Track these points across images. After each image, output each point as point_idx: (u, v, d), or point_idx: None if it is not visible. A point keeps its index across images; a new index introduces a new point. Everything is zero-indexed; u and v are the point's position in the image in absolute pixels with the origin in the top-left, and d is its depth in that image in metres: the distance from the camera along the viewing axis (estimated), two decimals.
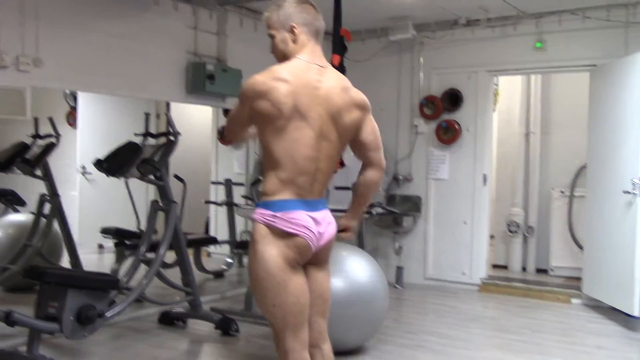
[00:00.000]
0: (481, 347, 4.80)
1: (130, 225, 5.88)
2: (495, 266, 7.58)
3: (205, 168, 7.90)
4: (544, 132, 7.53)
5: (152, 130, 5.06)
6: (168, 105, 6.69)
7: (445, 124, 6.83)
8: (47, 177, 5.42)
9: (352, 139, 2.55)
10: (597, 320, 5.54)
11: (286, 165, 2.36)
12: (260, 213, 2.38)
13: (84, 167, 6.94)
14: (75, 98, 6.84)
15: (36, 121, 5.49)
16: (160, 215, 4.87)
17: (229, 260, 7.29)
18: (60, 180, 5.65)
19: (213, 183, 7.77)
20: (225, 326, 4.81)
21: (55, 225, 5.53)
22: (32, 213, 5.57)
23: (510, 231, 7.53)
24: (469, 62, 6.75)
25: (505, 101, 7.70)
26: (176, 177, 5.35)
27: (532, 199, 7.53)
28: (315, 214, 2.42)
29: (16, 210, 6.10)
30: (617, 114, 5.55)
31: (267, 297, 2.37)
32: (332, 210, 2.61)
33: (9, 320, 3.58)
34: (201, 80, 5.65)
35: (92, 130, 7.07)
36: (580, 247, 6.75)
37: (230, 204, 7.21)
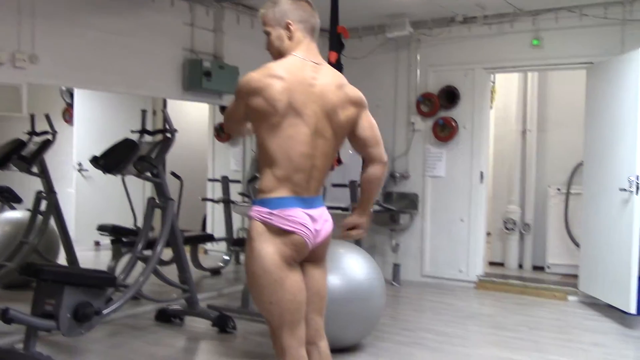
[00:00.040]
0: (478, 345, 4.81)
1: (127, 222, 5.88)
2: (491, 263, 7.60)
3: (202, 165, 7.90)
4: (541, 129, 7.53)
5: (149, 127, 5.05)
6: (165, 102, 6.69)
7: (442, 121, 6.84)
8: (44, 174, 5.41)
9: (351, 136, 2.55)
10: (594, 318, 5.56)
11: (282, 162, 2.36)
12: (257, 210, 2.38)
13: (80, 164, 6.94)
14: (71, 95, 6.84)
15: (32, 118, 5.48)
16: (157, 212, 4.87)
17: (226, 257, 7.29)
18: (57, 177, 5.64)
19: (210, 180, 7.77)
20: (222, 323, 4.82)
21: (52, 223, 5.53)
22: (29, 210, 5.57)
23: (507, 228, 7.54)
24: (466, 60, 6.76)
25: (502, 98, 7.70)
26: (173, 174, 5.35)
27: (529, 196, 7.54)
28: (311, 211, 2.42)
29: (12, 208, 6.10)
30: (613, 111, 5.55)
31: (264, 294, 2.37)
32: (329, 208, 2.61)
33: (6, 317, 3.57)
34: (198, 77, 5.64)
35: (89, 127, 7.07)
36: (577, 244, 6.76)
37: (227, 201, 7.20)
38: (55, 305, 3.70)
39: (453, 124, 6.80)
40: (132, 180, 5.15)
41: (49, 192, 5.42)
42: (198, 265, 6.73)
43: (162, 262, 5.10)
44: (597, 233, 5.78)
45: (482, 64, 6.72)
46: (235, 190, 7.18)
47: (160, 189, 4.83)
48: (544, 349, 4.59)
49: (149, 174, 4.76)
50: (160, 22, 5.50)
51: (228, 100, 5.85)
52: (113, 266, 5.54)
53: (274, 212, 2.34)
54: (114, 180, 5.16)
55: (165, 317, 5.08)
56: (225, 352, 4.42)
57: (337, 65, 5.02)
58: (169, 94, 5.86)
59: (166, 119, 4.84)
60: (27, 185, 5.76)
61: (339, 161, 5.27)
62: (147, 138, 5.03)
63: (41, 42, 4.56)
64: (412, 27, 6.66)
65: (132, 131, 4.95)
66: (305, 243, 2.39)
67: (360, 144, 2.56)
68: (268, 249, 2.33)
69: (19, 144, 5.37)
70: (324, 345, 2.59)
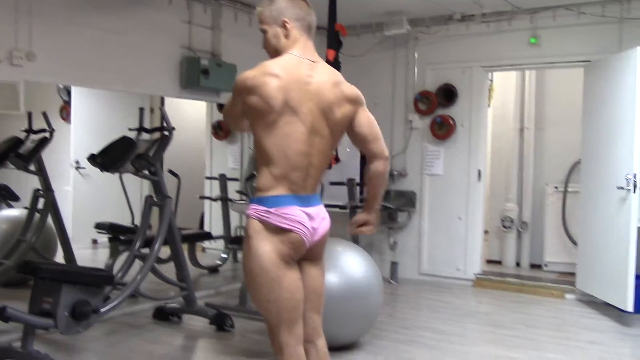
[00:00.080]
0: (475, 342, 4.81)
1: (124, 220, 5.87)
2: (489, 261, 7.60)
3: (200, 163, 7.90)
4: (538, 127, 7.54)
5: (147, 125, 5.04)
6: (162, 100, 6.68)
7: (439, 119, 6.84)
8: (41, 172, 5.40)
9: (350, 133, 2.55)
10: (591, 316, 5.57)
11: (278, 160, 2.36)
12: (254, 209, 2.38)
13: (77, 162, 6.93)
14: (68, 92, 6.82)
15: (30, 116, 5.47)
16: (155, 210, 4.86)
17: (224, 255, 7.29)
18: (54, 175, 5.64)
19: (207, 178, 7.77)
20: (220, 321, 4.82)
21: (49, 221, 5.52)
22: (26, 208, 5.56)
23: (505, 227, 7.54)
24: (464, 58, 6.76)
25: (500, 97, 7.70)
26: (170, 172, 5.34)
27: (526, 194, 7.55)
28: (309, 210, 2.42)
29: (10, 206, 6.08)
30: (611, 109, 5.56)
31: (262, 292, 2.37)
32: (327, 206, 2.61)
33: (3, 315, 3.57)
34: (195, 75, 5.63)
35: (86, 124, 7.05)
36: (574, 242, 6.77)
37: (224, 199, 7.20)
38: (52, 303, 3.70)
39: (451, 122, 6.80)
40: (129, 178, 5.15)
41: (47, 190, 5.42)
42: (196, 263, 6.72)
43: (160, 260, 5.10)
44: (595, 231, 5.78)
45: (480, 62, 6.72)
46: (233, 188, 7.18)
47: (157, 186, 4.83)
48: (541, 347, 4.60)
49: (146, 172, 4.76)
50: (157, 20, 5.49)
51: (225, 98, 5.82)
52: (111, 264, 5.54)
53: (272, 210, 2.35)
54: (111, 178, 5.16)
55: (163, 315, 5.08)
56: (223, 350, 4.42)
57: (335, 63, 5.02)
58: (167, 92, 5.85)
59: (164, 117, 4.83)
60: (25, 183, 5.75)
61: (337, 159, 5.27)
62: (145, 136, 5.03)
63: (38, 40, 4.55)
64: (409, 25, 6.66)
65: (130, 129, 4.94)
66: (303, 241, 2.40)
67: (359, 141, 2.57)
68: (265, 247, 2.34)
69: (16, 142, 5.36)
70: (321, 343, 2.59)
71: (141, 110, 5.01)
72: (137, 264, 4.70)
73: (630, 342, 4.84)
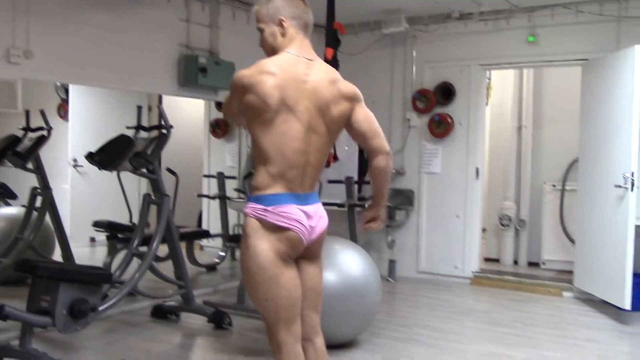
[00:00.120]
0: (473, 340, 4.82)
1: (122, 218, 5.85)
2: (487, 259, 7.61)
3: (198, 161, 7.89)
4: (536, 126, 7.55)
5: (144, 123, 5.03)
6: (160, 98, 6.68)
7: (437, 118, 6.84)
8: (39, 170, 5.39)
9: (350, 130, 2.55)
10: (589, 314, 5.58)
11: (275, 159, 2.36)
12: (252, 207, 2.38)
13: (75, 160, 6.92)
14: (66, 90, 6.81)
15: (27, 114, 5.46)
16: (153, 208, 4.86)
17: (222, 253, 7.29)
18: (52, 173, 5.63)
19: (205, 176, 7.76)
20: (218, 319, 4.82)
21: (47, 219, 5.51)
22: (24, 206, 5.55)
23: (502, 225, 7.55)
24: (462, 56, 6.76)
25: (498, 95, 7.71)
26: (168, 170, 5.33)
27: (524, 192, 7.56)
28: (306, 208, 2.42)
29: (7, 204, 6.08)
30: (608, 108, 5.56)
31: (259, 291, 2.38)
32: (325, 204, 2.61)
33: (1, 314, 3.56)
34: (193, 73, 5.62)
35: (84, 122, 7.05)
36: (572, 240, 6.78)
37: (222, 197, 7.20)
38: (50, 301, 3.69)
39: (449, 120, 6.80)
40: (127, 177, 5.14)
41: (44, 188, 5.41)
42: (194, 261, 6.73)
43: (158, 259, 5.09)
44: (592, 229, 5.79)
45: (478, 60, 6.72)
46: (231, 187, 7.18)
47: (155, 185, 4.82)
48: (539, 345, 4.60)
49: (144, 170, 4.75)
50: (155, 18, 5.49)
51: (223, 96, 5.83)
52: (109, 262, 5.53)
53: (269, 208, 2.35)
54: (109, 176, 5.14)
55: (161, 314, 5.08)
56: (221, 348, 4.42)
57: (334, 62, 5.02)
58: (165, 90, 5.84)
59: (162, 115, 4.83)
60: (22, 182, 5.75)
61: (335, 157, 5.27)
62: (143, 134, 5.02)
63: (36, 38, 4.54)
64: (408, 23, 6.66)
65: (128, 127, 4.94)
66: (300, 239, 2.40)
67: (359, 138, 2.56)
68: (263, 246, 2.34)
69: (14, 140, 5.35)
70: (319, 341, 2.59)
71: (139, 108, 4.99)
72: (135, 262, 4.70)
73: (628, 340, 4.85)
